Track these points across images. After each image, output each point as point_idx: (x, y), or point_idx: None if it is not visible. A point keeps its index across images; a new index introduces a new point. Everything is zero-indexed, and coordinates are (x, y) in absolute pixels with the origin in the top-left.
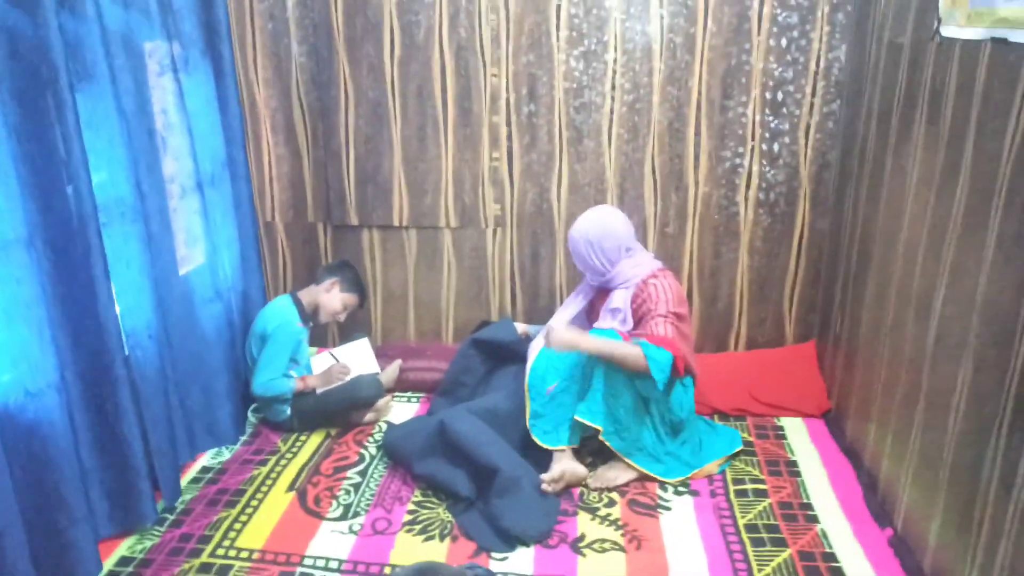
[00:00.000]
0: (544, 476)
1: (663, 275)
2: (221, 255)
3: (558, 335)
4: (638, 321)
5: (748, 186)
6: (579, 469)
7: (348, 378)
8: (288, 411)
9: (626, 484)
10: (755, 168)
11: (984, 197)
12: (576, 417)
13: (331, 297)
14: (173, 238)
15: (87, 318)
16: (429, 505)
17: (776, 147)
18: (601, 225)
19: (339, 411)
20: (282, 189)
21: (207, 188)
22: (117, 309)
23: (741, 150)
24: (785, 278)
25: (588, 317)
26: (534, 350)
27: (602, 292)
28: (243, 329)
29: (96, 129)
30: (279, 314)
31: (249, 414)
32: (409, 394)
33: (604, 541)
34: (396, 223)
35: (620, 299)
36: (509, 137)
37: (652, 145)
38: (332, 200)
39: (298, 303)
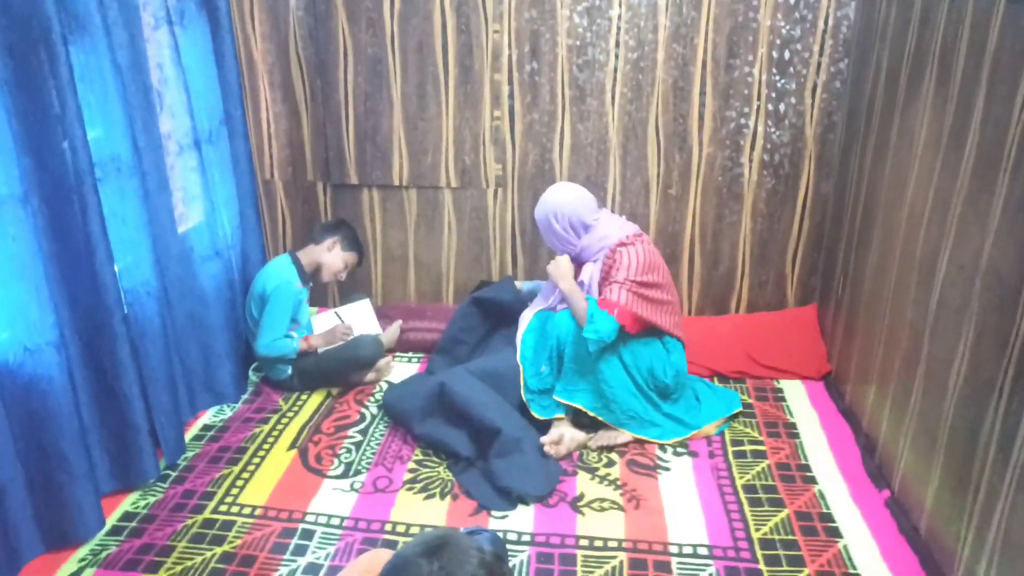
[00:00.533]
0: (544, 438)
1: (633, 242)
2: (220, 213)
3: (556, 265)
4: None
5: (753, 147)
6: (578, 434)
7: (350, 338)
8: (289, 370)
9: (626, 444)
10: (760, 129)
11: (991, 161)
12: (555, 397)
13: (333, 256)
14: (171, 196)
15: (85, 275)
16: (429, 464)
17: (782, 107)
18: (546, 205)
19: (340, 371)
20: (281, 147)
21: (204, 145)
22: (115, 267)
23: (746, 110)
24: (788, 241)
25: None
26: (525, 319)
27: (581, 265)
28: (243, 288)
29: (90, 84)
30: (279, 274)
31: (250, 373)
32: (410, 354)
33: (603, 500)
34: (396, 183)
35: (587, 274)
36: (511, 96)
37: (656, 105)
38: (331, 159)
39: (297, 263)
